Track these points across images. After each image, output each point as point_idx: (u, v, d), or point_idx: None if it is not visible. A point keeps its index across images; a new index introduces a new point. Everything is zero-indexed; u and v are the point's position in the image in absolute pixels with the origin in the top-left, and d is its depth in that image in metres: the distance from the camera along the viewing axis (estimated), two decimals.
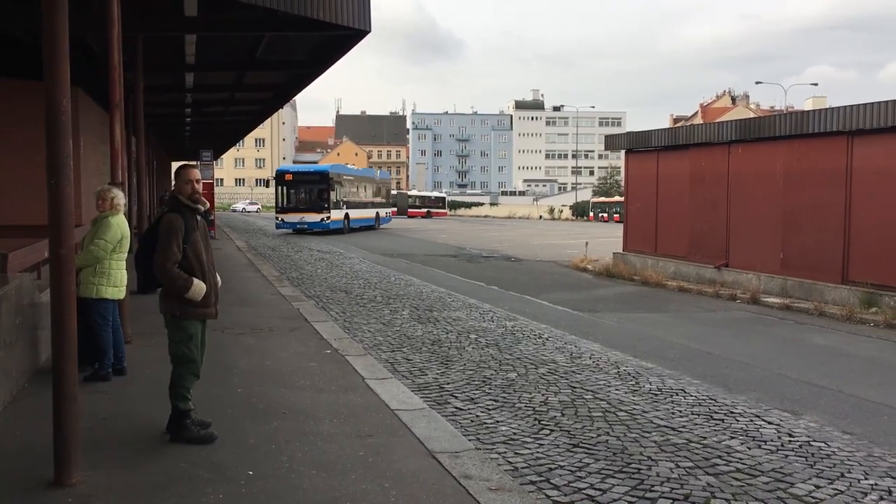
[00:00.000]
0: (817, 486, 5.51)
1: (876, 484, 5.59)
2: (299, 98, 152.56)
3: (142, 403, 6.69)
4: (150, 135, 29.34)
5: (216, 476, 5.09)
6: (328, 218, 39.21)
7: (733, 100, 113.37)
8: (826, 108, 16.48)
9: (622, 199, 28.40)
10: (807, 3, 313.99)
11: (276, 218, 40.76)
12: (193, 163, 34.55)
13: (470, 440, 6.24)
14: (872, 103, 14.60)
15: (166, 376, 5.88)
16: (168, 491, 4.85)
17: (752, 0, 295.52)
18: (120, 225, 7.62)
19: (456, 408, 7.39)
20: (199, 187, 5.87)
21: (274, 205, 43.97)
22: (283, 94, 23.14)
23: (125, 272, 7.77)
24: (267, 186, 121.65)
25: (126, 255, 7.73)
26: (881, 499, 5.31)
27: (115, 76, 9.17)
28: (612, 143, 25.20)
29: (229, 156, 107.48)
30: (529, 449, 6.20)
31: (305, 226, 39.20)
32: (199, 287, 5.70)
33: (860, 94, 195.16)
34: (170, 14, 12.59)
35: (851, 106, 15.10)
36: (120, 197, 7.72)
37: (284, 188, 40.45)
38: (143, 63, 13.66)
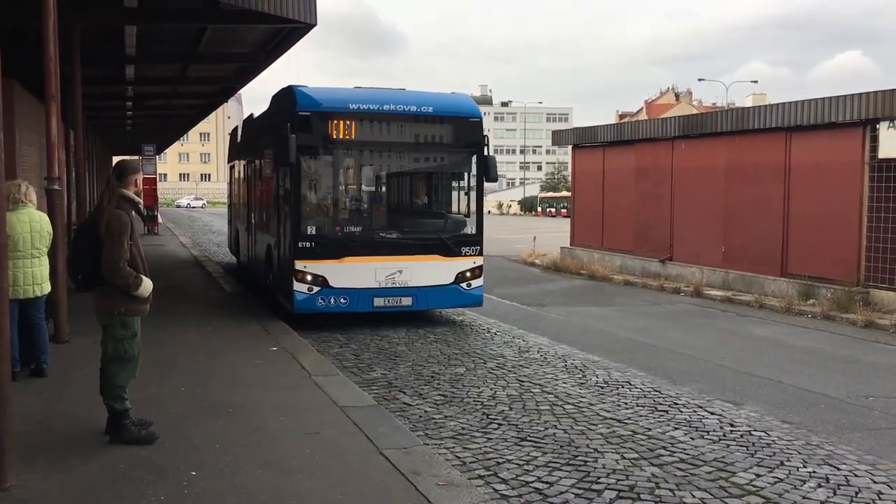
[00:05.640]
0: (758, 475, 5.63)
1: (814, 471, 5.73)
2: (245, 91, 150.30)
3: (80, 404, 6.50)
4: (90, 128, 28.60)
5: (157, 477, 4.98)
6: (478, 272, 11.79)
7: (677, 96, 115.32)
8: (765, 105, 16.87)
9: (569, 194, 28.71)
10: (739, 3, 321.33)
11: (298, 274, 10.82)
12: (135, 158, 32.55)
13: (418, 436, 6.23)
14: (809, 100, 14.99)
15: None
16: (107, 493, 4.73)
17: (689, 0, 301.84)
18: None
19: (404, 403, 7.37)
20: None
21: (243, 214, 16.64)
22: (228, 87, 22.74)
23: (26, 271, 7.29)
24: (208, 180, 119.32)
25: (28, 252, 7.28)
26: (819, 486, 5.46)
27: (50, 67, 8.89)
28: (559, 138, 25.41)
29: (173, 150, 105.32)
30: (478, 443, 6.21)
31: (412, 299, 11.27)
32: (147, 283, 5.66)
33: (794, 91, 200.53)
34: (109, 4, 12.27)
35: (789, 103, 15.48)
36: (12, 191, 7.25)
37: (317, 165, 11.43)
38: (82, 54, 13.28)
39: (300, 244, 10.83)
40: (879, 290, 13.48)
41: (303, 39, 14.14)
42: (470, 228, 11.88)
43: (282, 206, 11.70)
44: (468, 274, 11.54)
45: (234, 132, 18.26)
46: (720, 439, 6.45)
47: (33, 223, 7.38)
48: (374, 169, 12.19)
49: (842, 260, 14.20)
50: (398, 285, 11.12)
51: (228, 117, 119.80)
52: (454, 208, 12.58)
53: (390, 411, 6.91)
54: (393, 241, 11.35)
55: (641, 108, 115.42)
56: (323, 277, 10.82)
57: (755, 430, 6.72)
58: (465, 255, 11.54)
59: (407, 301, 11.21)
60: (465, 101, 12.24)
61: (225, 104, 34.82)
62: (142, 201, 5.97)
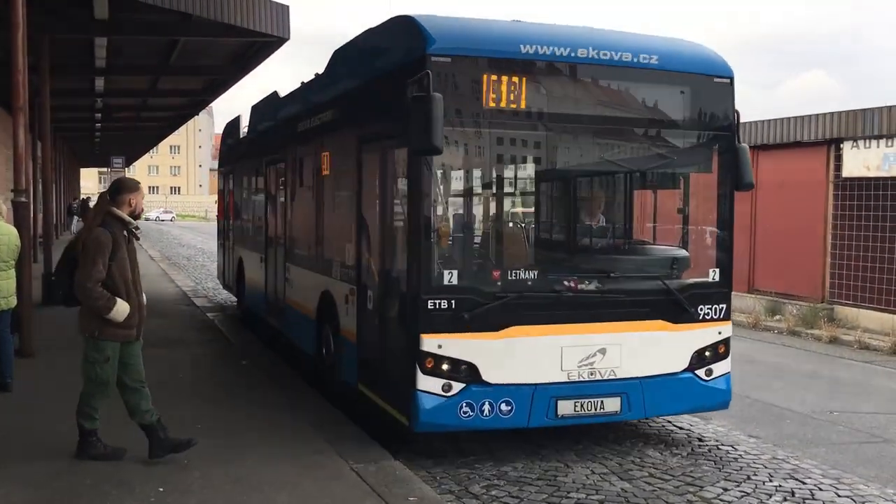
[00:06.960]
0: (725, 489, 5.69)
1: (780, 485, 5.80)
2: (216, 104, 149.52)
3: (45, 419, 6.39)
4: (58, 140, 28.27)
5: (123, 493, 4.92)
6: (724, 350, 6.77)
7: None
8: None
9: None
10: (708, 24, 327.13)
11: (426, 361, 5.71)
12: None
13: (390, 451, 6.20)
14: (775, 120, 15.28)
15: (74, 390, 5.63)
16: None
17: (660, 20, 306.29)
18: None
19: (376, 418, 7.34)
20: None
21: (256, 236, 11.86)
22: (199, 100, 22.69)
23: None
24: (178, 193, 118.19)
25: None
26: (785, 500, 5.53)
27: (18, 79, 8.82)
28: None
29: (142, 163, 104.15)
30: (449, 459, 6.20)
31: (621, 400, 6.21)
32: (122, 307, 5.34)
33: (761, 110, 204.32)
34: (79, 16, 12.20)
35: (756, 122, 15.75)
36: None
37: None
38: (51, 65, 13.17)
39: (430, 302, 5.77)
40: (844, 307, 13.71)
41: (276, 53, 14.16)
42: (710, 272, 6.95)
43: (376, 230, 6.73)
44: (708, 353, 6.64)
45: (233, 125, 13.99)
46: (688, 454, 6.51)
47: (2, 236, 7.29)
48: (556, 164, 7.00)
49: (807, 276, 14.42)
50: (600, 377, 6.17)
51: (199, 130, 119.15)
52: (681, 236, 7.31)
53: (361, 427, 6.87)
54: (591, 298, 6.28)
55: None
56: (471, 365, 5.87)
57: (722, 445, 6.79)
58: (705, 321, 6.61)
59: (613, 405, 6.23)
60: (705, 51, 6.97)
61: (196, 117, 34.49)
62: (134, 221, 5.56)
